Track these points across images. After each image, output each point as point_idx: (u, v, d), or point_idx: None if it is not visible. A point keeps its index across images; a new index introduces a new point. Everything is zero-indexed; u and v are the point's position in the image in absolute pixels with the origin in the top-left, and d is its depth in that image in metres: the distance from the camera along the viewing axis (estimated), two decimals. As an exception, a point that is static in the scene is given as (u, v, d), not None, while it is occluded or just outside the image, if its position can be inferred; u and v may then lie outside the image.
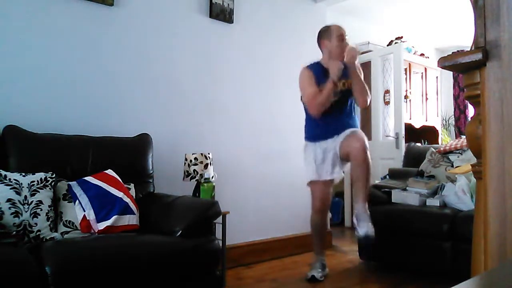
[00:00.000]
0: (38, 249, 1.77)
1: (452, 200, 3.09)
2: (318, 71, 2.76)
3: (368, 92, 2.79)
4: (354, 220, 2.68)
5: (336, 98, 2.71)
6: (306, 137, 2.88)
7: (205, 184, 2.68)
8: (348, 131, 2.70)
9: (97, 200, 2.16)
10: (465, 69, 1.08)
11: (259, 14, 3.63)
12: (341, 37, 2.71)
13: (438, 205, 3.12)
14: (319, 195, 2.81)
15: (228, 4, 3.35)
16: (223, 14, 3.33)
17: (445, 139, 5.80)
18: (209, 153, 2.85)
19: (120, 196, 2.23)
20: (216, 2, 3.28)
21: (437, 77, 5.90)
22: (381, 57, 5.04)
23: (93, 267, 1.76)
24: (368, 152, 2.63)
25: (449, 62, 1.07)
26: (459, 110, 6.34)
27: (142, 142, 2.65)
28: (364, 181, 2.71)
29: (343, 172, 2.91)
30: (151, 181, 2.64)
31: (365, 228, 2.58)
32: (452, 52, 1.16)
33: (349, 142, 2.66)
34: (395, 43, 5.13)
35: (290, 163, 3.58)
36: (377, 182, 3.71)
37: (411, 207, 3.15)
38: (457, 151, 3.53)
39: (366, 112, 4.90)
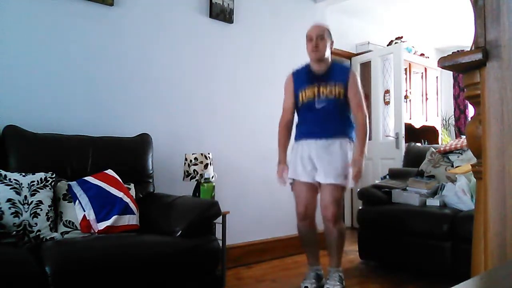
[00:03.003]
0: (38, 249, 1.77)
1: (452, 200, 3.09)
2: (301, 75, 2.70)
3: (367, 134, 2.65)
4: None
5: (321, 106, 2.59)
6: (294, 137, 2.78)
7: (205, 184, 2.68)
8: (326, 175, 2.53)
9: (97, 200, 2.16)
10: (465, 69, 1.08)
11: (259, 14, 3.63)
12: (309, 37, 2.61)
13: (438, 205, 3.12)
14: (302, 200, 2.63)
15: (228, 4, 3.35)
16: (223, 14, 3.33)
17: (445, 139, 5.80)
18: (209, 153, 2.85)
19: (120, 196, 2.23)
20: (216, 2, 3.28)
21: (437, 77, 5.90)
22: (381, 57, 5.04)
23: (93, 267, 1.76)
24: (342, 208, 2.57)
25: (449, 62, 1.07)
26: (459, 110, 6.34)
27: (142, 142, 2.65)
28: (337, 247, 2.64)
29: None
30: (151, 181, 2.64)
31: (331, 287, 2.54)
32: (452, 52, 1.16)
33: (323, 198, 2.58)
34: (395, 43, 5.13)
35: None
36: (377, 182, 3.71)
37: (411, 207, 3.16)
38: (457, 151, 3.54)
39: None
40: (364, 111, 2.65)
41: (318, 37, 2.59)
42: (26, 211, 1.96)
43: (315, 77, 2.65)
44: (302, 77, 2.70)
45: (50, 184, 2.11)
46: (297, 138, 2.72)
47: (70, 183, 2.23)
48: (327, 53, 2.65)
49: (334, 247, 2.65)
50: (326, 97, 2.59)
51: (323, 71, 2.65)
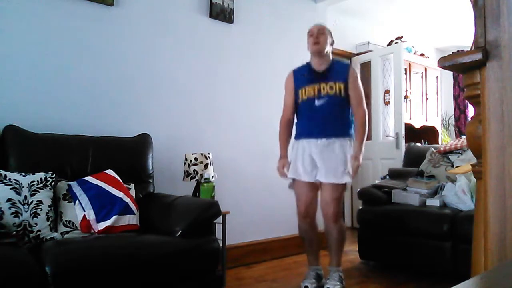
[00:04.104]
0: (38, 249, 1.77)
1: (452, 200, 3.09)
2: (302, 73, 2.72)
3: (366, 130, 2.68)
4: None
5: (321, 103, 2.61)
6: (294, 135, 2.79)
7: (205, 184, 2.68)
8: (327, 174, 2.56)
9: (97, 200, 2.16)
10: (465, 69, 1.08)
11: (259, 14, 3.63)
12: (310, 33, 2.68)
13: (438, 205, 3.12)
14: (303, 199, 2.65)
15: (228, 4, 3.35)
16: (223, 14, 3.33)
17: (445, 139, 5.80)
18: (209, 153, 2.85)
19: (120, 196, 2.23)
20: (216, 2, 3.28)
21: (437, 77, 5.90)
22: (381, 57, 5.04)
23: (93, 267, 1.76)
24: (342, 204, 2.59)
25: (449, 62, 1.07)
26: (459, 110, 6.34)
27: (142, 142, 2.65)
28: (337, 246, 2.67)
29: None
30: (151, 181, 2.64)
31: (331, 287, 2.56)
32: (452, 52, 1.16)
33: (323, 196, 2.61)
34: (395, 43, 5.13)
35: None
36: (377, 182, 3.71)
37: (411, 207, 3.16)
38: (457, 151, 3.54)
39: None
40: (364, 107, 2.69)
41: (319, 32, 2.65)
42: (26, 211, 1.96)
43: (316, 75, 2.67)
44: (303, 75, 2.72)
45: (50, 184, 2.11)
46: (298, 137, 2.73)
47: (70, 183, 2.23)
48: (328, 49, 2.68)
49: (335, 246, 2.66)
50: (327, 94, 2.61)
51: (324, 69, 2.67)
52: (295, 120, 2.80)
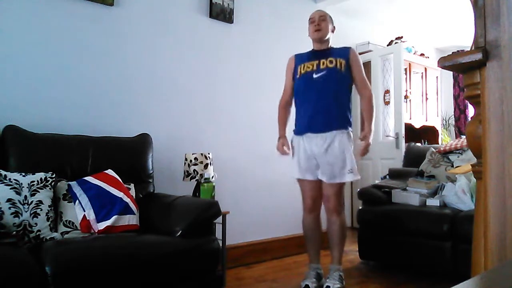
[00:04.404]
0: (38, 249, 1.77)
1: (452, 200, 3.09)
2: (303, 55, 2.75)
3: (374, 110, 2.67)
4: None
5: (319, 76, 2.58)
6: (294, 130, 2.78)
7: (205, 184, 2.68)
8: (328, 175, 2.58)
9: (97, 200, 2.16)
10: (465, 69, 1.08)
11: (259, 14, 3.63)
12: (311, 20, 2.69)
13: (438, 205, 3.12)
14: (309, 193, 2.69)
15: (228, 4, 3.35)
16: (223, 14, 3.33)
17: (445, 139, 5.80)
18: (209, 153, 2.85)
19: (120, 196, 2.23)
20: (216, 2, 3.28)
21: (437, 77, 5.90)
22: (381, 57, 5.04)
23: (93, 267, 1.76)
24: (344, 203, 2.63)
25: (449, 62, 1.07)
26: (459, 110, 6.34)
27: (142, 142, 2.65)
28: (339, 240, 2.69)
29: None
30: (151, 181, 2.64)
31: (330, 286, 2.55)
32: (452, 52, 1.16)
33: (325, 191, 2.64)
34: (395, 43, 5.13)
35: (290, 163, 3.58)
36: (377, 182, 3.71)
37: (411, 207, 3.16)
38: (457, 151, 3.54)
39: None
40: (369, 87, 2.73)
41: (320, 19, 2.66)
42: (26, 211, 1.96)
43: (316, 53, 2.69)
44: (304, 56, 2.75)
45: (50, 184, 2.11)
46: (297, 132, 2.71)
47: (70, 183, 2.23)
48: (329, 35, 2.70)
49: (336, 240, 2.67)
50: (326, 67, 2.60)
51: (324, 49, 2.70)
52: (293, 104, 2.81)
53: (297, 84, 2.71)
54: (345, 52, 2.67)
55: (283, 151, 2.75)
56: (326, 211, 2.70)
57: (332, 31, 2.73)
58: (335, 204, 2.65)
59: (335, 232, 2.67)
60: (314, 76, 2.60)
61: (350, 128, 2.64)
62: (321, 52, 2.69)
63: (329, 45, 2.72)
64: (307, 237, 2.79)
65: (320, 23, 2.64)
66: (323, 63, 2.61)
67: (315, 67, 2.62)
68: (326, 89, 2.58)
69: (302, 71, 2.66)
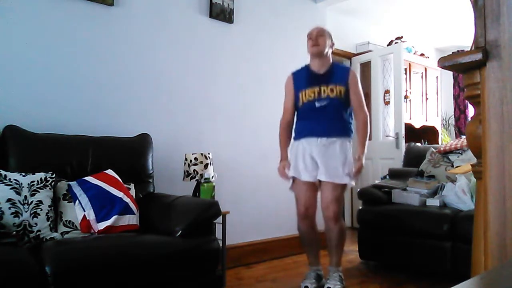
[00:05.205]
0: (38, 249, 1.77)
1: (452, 200, 3.09)
2: (301, 75, 2.74)
3: (368, 133, 2.73)
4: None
5: (321, 105, 2.61)
6: (293, 136, 2.79)
7: (205, 184, 2.68)
8: (328, 173, 2.57)
9: (97, 200, 2.16)
10: (465, 69, 1.08)
11: (259, 14, 3.63)
12: (309, 36, 2.69)
13: (438, 205, 3.12)
14: (303, 200, 2.65)
15: (228, 4, 3.35)
16: (223, 14, 3.33)
17: (445, 139, 5.80)
18: (209, 153, 2.85)
19: (120, 196, 2.23)
20: (216, 2, 3.28)
21: (437, 77, 5.90)
22: (381, 57, 5.04)
23: (93, 267, 1.76)
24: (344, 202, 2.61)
25: (449, 62, 1.07)
26: (459, 110, 6.34)
27: (142, 142, 2.65)
28: (338, 246, 2.68)
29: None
30: (151, 181, 2.64)
31: (331, 287, 2.56)
32: (452, 52, 1.16)
33: (323, 197, 2.62)
34: (395, 43, 5.13)
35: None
36: (377, 182, 3.71)
37: (411, 207, 3.16)
38: (457, 151, 3.54)
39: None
40: (365, 110, 2.72)
41: (318, 34, 2.67)
42: (26, 211, 1.96)
43: (316, 77, 2.68)
44: (302, 78, 2.73)
45: (50, 184, 2.11)
46: (297, 137, 2.73)
47: (70, 183, 2.23)
48: (327, 51, 2.69)
49: (335, 246, 2.67)
50: (328, 96, 2.62)
51: (324, 71, 2.68)
52: (295, 121, 2.81)
53: (300, 109, 2.73)
54: (344, 76, 2.67)
55: (284, 174, 2.73)
56: (324, 218, 2.65)
57: (331, 47, 2.73)
58: (334, 211, 2.60)
59: (334, 238, 2.65)
60: (317, 104, 2.64)
61: (351, 137, 2.68)
62: (321, 76, 2.67)
63: (329, 61, 2.71)
64: (304, 242, 2.79)
65: (317, 39, 2.65)
66: (324, 91, 2.63)
67: (316, 95, 2.64)
68: (328, 113, 2.63)
69: (304, 100, 2.67)
